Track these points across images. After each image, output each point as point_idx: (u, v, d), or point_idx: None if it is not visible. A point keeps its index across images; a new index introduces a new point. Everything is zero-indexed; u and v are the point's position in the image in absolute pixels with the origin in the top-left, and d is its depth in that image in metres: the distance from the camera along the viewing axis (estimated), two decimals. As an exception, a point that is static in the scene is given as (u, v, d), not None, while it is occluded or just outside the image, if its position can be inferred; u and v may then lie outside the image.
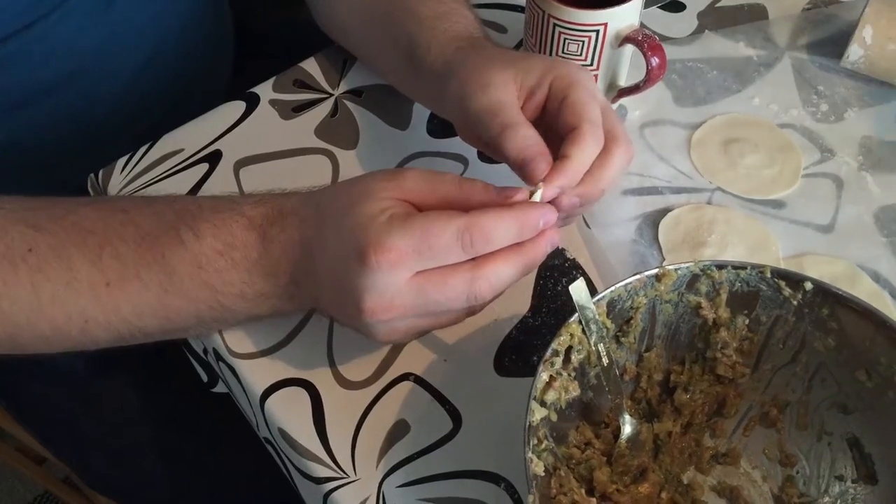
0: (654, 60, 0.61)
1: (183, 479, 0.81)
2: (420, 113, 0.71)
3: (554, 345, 0.48)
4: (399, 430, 0.55)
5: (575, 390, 0.49)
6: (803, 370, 0.52)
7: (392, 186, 0.48)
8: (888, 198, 0.66)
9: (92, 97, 0.73)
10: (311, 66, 0.75)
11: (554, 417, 0.48)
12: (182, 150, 0.69)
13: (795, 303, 0.50)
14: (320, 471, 0.53)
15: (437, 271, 0.46)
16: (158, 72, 0.78)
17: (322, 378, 0.57)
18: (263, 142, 0.69)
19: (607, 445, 0.52)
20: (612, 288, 0.49)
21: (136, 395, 0.81)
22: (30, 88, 0.69)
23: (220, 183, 0.67)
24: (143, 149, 0.69)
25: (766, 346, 0.53)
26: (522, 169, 0.50)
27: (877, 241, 0.63)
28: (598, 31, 0.62)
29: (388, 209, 0.46)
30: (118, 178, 0.67)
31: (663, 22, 0.78)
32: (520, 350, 0.58)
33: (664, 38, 0.76)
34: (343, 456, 0.54)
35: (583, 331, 0.49)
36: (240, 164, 0.68)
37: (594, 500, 0.48)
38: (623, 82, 0.68)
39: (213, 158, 0.68)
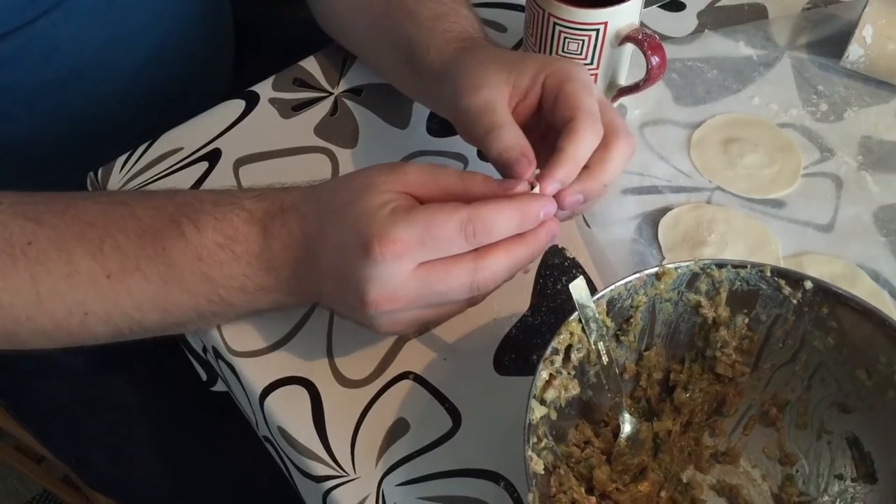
0: (654, 59, 0.62)
1: (182, 478, 0.81)
2: (420, 112, 0.71)
3: (554, 343, 0.48)
4: (398, 429, 0.55)
5: (575, 389, 0.49)
6: (803, 369, 0.52)
7: (393, 179, 0.48)
8: (887, 197, 0.66)
9: (92, 96, 0.73)
10: (310, 64, 0.75)
11: (554, 416, 0.48)
12: (182, 148, 0.69)
13: (795, 302, 0.50)
14: (320, 469, 0.53)
15: (441, 262, 0.46)
16: (159, 70, 0.78)
17: (322, 376, 0.57)
18: (263, 140, 0.69)
19: (607, 444, 0.52)
20: (612, 286, 0.49)
21: (136, 394, 0.80)
22: (30, 87, 0.69)
23: (220, 181, 0.67)
24: (142, 147, 0.69)
25: (765, 344, 0.53)
26: (505, 169, 0.50)
27: (876, 241, 0.63)
28: (598, 30, 0.62)
29: (390, 202, 0.47)
30: (118, 177, 0.67)
31: (663, 21, 0.78)
32: (519, 349, 0.58)
33: (664, 38, 0.76)
34: (342, 454, 0.54)
35: (583, 329, 0.49)
36: (239, 163, 0.68)
37: (594, 498, 0.48)
38: (623, 81, 0.68)
39: (213, 157, 0.68)
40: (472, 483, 0.52)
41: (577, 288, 0.48)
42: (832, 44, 0.75)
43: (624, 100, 0.70)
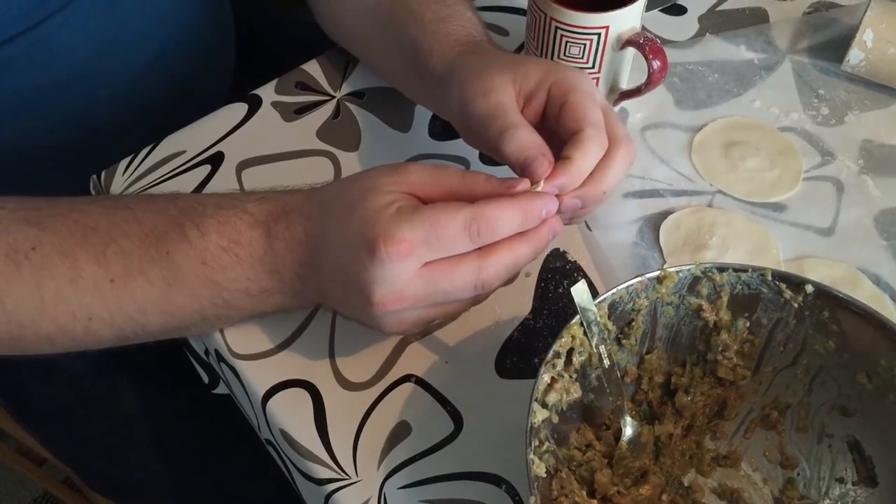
0: (656, 63, 0.62)
1: (184, 481, 0.81)
2: (422, 115, 0.71)
3: (555, 346, 0.48)
4: (400, 432, 0.55)
5: (576, 392, 0.49)
6: (804, 373, 0.52)
7: (396, 180, 0.48)
8: (888, 201, 0.66)
9: (94, 100, 0.73)
10: (313, 68, 0.75)
11: (555, 419, 0.49)
12: (184, 151, 0.69)
13: (796, 305, 0.50)
14: (322, 472, 0.53)
15: (445, 261, 0.47)
16: (161, 74, 0.78)
17: (324, 379, 0.57)
18: (265, 144, 0.69)
19: (608, 447, 0.52)
20: (614, 290, 0.49)
21: (137, 396, 0.81)
22: (32, 91, 0.69)
23: (223, 185, 0.67)
24: (145, 150, 0.69)
25: (766, 348, 0.53)
26: (524, 169, 0.50)
27: (877, 245, 0.63)
28: (599, 34, 0.62)
29: (394, 202, 0.47)
30: (120, 180, 0.67)
31: (664, 25, 0.78)
32: (521, 352, 0.58)
33: (665, 42, 0.76)
34: (344, 457, 0.54)
35: (584, 333, 0.49)
36: (242, 166, 0.68)
37: (595, 501, 0.49)
38: (624, 85, 0.68)
39: (216, 160, 0.68)
40: (474, 486, 0.53)
41: (579, 291, 0.48)
42: (833, 48, 0.75)
43: (625, 103, 0.70)
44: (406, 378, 0.57)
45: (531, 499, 0.43)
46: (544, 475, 0.46)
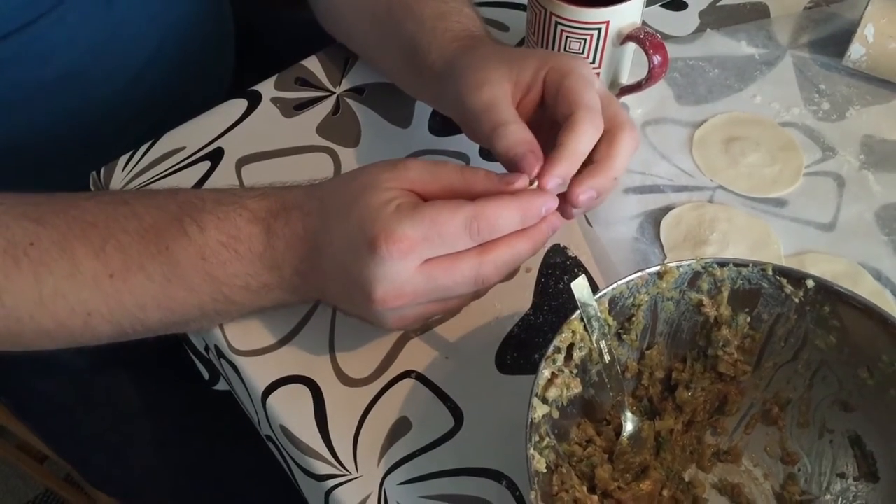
0: (656, 58, 0.62)
1: (184, 477, 0.81)
2: (422, 111, 0.71)
3: (556, 342, 0.48)
4: (401, 428, 0.55)
5: (577, 387, 0.49)
6: (805, 368, 0.52)
7: (395, 176, 0.48)
8: (890, 196, 0.66)
9: (92, 97, 0.73)
10: (312, 64, 0.75)
11: (556, 415, 0.48)
12: (184, 147, 0.69)
13: (797, 300, 0.50)
14: (322, 468, 0.53)
15: (446, 258, 0.47)
16: (159, 71, 0.78)
17: (324, 375, 0.57)
18: (265, 140, 0.69)
19: (609, 443, 0.52)
20: (614, 285, 0.49)
21: (138, 393, 0.81)
22: (30, 88, 0.69)
23: (222, 181, 0.67)
24: (144, 146, 0.69)
25: (767, 343, 0.53)
26: (512, 166, 0.50)
27: (878, 240, 0.63)
28: (600, 29, 0.62)
29: (394, 199, 0.47)
30: (120, 176, 0.67)
31: (665, 20, 0.78)
32: (521, 348, 0.58)
33: (666, 37, 0.76)
34: (345, 453, 0.54)
35: (585, 328, 0.49)
36: (242, 162, 0.68)
37: (596, 497, 0.48)
38: (625, 80, 0.68)
39: (215, 156, 0.68)
40: (475, 482, 0.53)
41: (579, 287, 0.48)
42: (834, 43, 0.75)
43: (626, 99, 0.70)
44: (406, 374, 0.57)
45: (531, 494, 0.43)
46: (545, 470, 0.46)
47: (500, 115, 0.51)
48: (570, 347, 0.49)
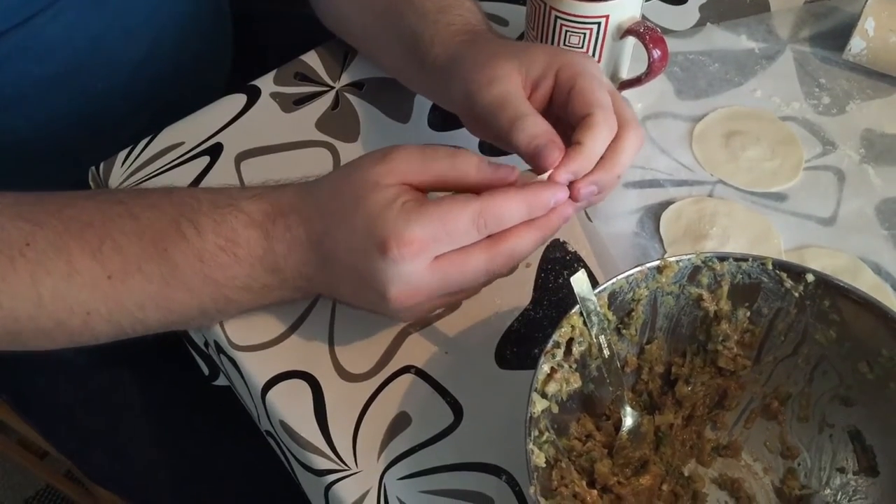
0: (656, 53, 0.61)
1: (184, 472, 0.81)
2: (421, 106, 0.71)
3: (555, 336, 0.48)
4: (400, 423, 0.55)
5: (576, 382, 0.49)
6: (805, 362, 0.52)
7: (388, 171, 0.48)
8: (890, 190, 0.65)
9: (90, 93, 0.73)
10: (312, 58, 0.75)
11: (555, 409, 0.48)
12: (183, 143, 0.69)
13: (797, 295, 0.50)
14: (321, 463, 0.53)
15: (456, 254, 0.48)
16: (157, 66, 0.78)
17: (323, 370, 0.57)
18: (264, 135, 0.69)
19: (608, 437, 0.52)
20: (614, 280, 0.49)
21: (138, 389, 0.81)
22: (27, 85, 0.69)
23: (221, 176, 0.67)
24: (143, 142, 0.69)
25: (767, 338, 0.53)
26: (534, 158, 0.50)
27: (878, 234, 0.63)
28: (599, 24, 0.62)
29: (397, 198, 0.47)
30: (119, 171, 0.67)
31: (665, 14, 0.78)
32: (521, 343, 0.58)
33: (666, 31, 0.75)
34: (344, 448, 0.54)
35: (584, 323, 0.49)
36: (241, 157, 0.68)
37: (595, 492, 0.48)
38: (625, 75, 0.68)
39: (214, 151, 0.68)
40: (474, 477, 0.53)
41: (579, 281, 0.48)
42: (834, 37, 0.75)
43: (626, 93, 0.69)
44: (406, 369, 0.57)
45: (531, 489, 0.43)
46: (544, 465, 0.46)
47: (516, 109, 0.52)
48: (570, 342, 0.49)
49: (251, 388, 0.58)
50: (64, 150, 0.73)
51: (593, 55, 0.64)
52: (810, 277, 0.49)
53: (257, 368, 0.57)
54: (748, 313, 0.52)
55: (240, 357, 0.58)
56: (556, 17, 0.62)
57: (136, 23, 0.73)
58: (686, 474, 0.53)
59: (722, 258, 0.50)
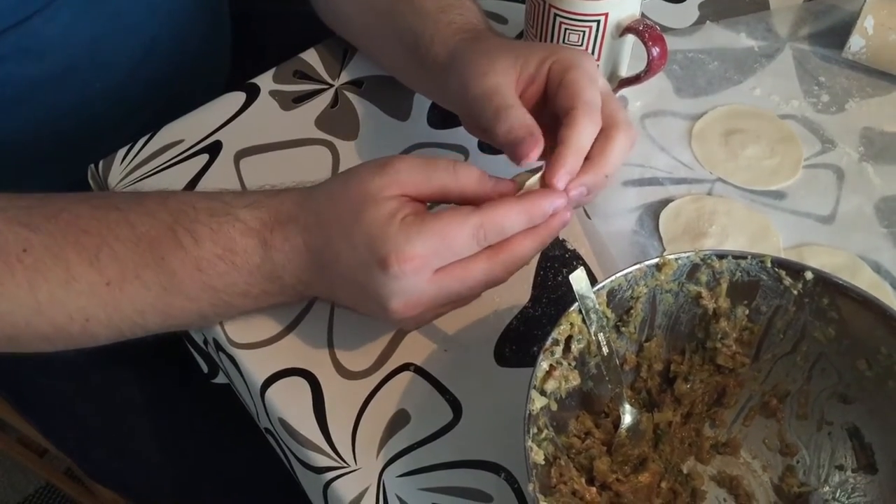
0: (655, 51, 0.61)
1: (183, 470, 0.81)
2: (420, 104, 0.71)
3: (554, 334, 0.48)
4: (399, 420, 0.55)
5: (575, 380, 0.49)
6: (803, 360, 0.52)
7: (388, 183, 0.48)
8: (889, 188, 0.65)
9: (88, 92, 0.73)
10: (311, 56, 0.75)
11: (554, 407, 0.48)
12: (182, 140, 0.69)
13: (796, 292, 0.50)
14: (321, 460, 0.53)
15: (457, 266, 0.48)
16: (156, 65, 0.77)
17: (322, 368, 0.57)
18: (264, 132, 0.69)
19: (607, 435, 0.52)
20: (613, 277, 0.49)
21: (137, 386, 0.81)
22: (25, 84, 0.69)
23: (221, 173, 0.67)
24: (143, 140, 0.69)
25: (766, 336, 0.53)
26: (512, 149, 0.50)
27: (877, 232, 0.63)
28: (598, 21, 0.62)
29: (397, 213, 0.48)
30: (118, 169, 0.67)
31: (664, 12, 0.78)
32: (520, 340, 0.58)
33: (665, 29, 0.75)
34: (343, 445, 0.54)
35: (583, 320, 0.49)
36: (240, 155, 0.68)
37: (594, 489, 0.48)
38: (624, 73, 0.68)
39: (214, 149, 0.68)
40: (473, 474, 0.53)
41: (578, 279, 0.48)
42: (834, 35, 0.75)
43: (625, 91, 0.69)
44: (405, 366, 0.57)
45: (530, 486, 0.43)
46: (543, 462, 0.46)
47: (502, 101, 0.52)
48: (569, 340, 0.49)
49: (250, 385, 0.58)
50: (63, 149, 0.73)
51: (592, 53, 0.64)
52: (809, 275, 0.49)
53: (256, 366, 0.57)
54: (747, 311, 0.52)
55: (239, 355, 0.58)
56: (556, 14, 0.62)
57: (134, 22, 0.73)
58: (685, 472, 0.53)
59: (721, 256, 0.50)
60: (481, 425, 0.54)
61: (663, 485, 0.52)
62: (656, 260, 0.50)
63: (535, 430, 0.46)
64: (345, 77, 0.74)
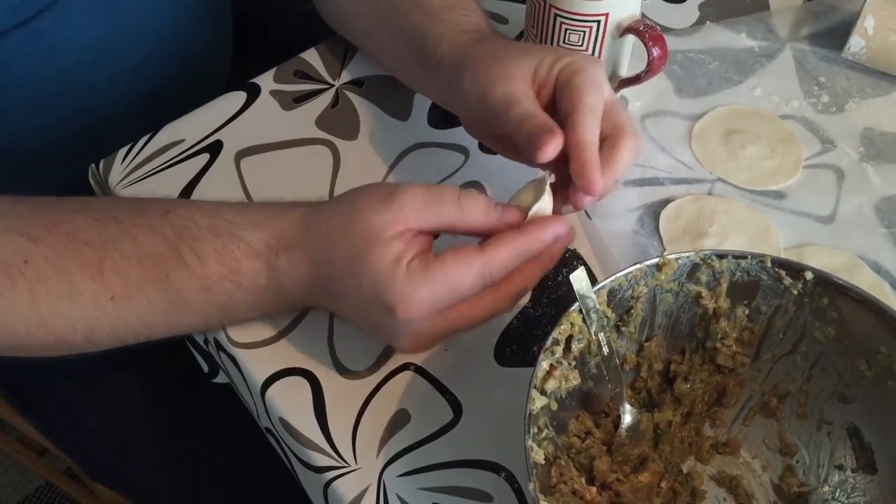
0: (656, 51, 0.61)
1: (184, 470, 0.81)
2: (421, 103, 0.71)
3: (554, 334, 0.48)
4: (400, 420, 0.55)
5: (575, 379, 0.49)
6: (803, 360, 0.52)
7: (393, 221, 0.49)
8: (889, 189, 0.66)
9: (92, 92, 0.73)
10: (312, 56, 0.75)
11: (554, 406, 0.49)
12: (183, 140, 0.69)
13: (796, 292, 0.50)
14: (321, 460, 0.53)
15: (464, 304, 0.49)
16: (159, 66, 0.77)
17: (323, 367, 0.57)
18: (264, 132, 0.69)
19: (607, 435, 0.52)
20: (613, 277, 0.49)
21: (137, 386, 0.81)
22: (29, 85, 0.69)
23: (221, 173, 0.67)
24: (143, 139, 0.69)
25: (766, 335, 0.53)
26: (532, 150, 0.50)
27: (877, 232, 0.63)
28: (599, 22, 0.62)
29: (402, 256, 0.48)
30: (119, 169, 0.67)
31: (664, 12, 0.78)
32: (520, 340, 0.58)
33: (665, 29, 0.75)
34: (344, 445, 0.54)
35: (583, 320, 0.49)
36: (241, 155, 0.68)
37: (594, 489, 0.49)
38: (624, 73, 0.68)
39: (214, 149, 0.68)
40: (473, 473, 0.53)
41: (578, 279, 0.48)
42: (834, 35, 0.75)
43: (625, 91, 0.69)
44: (405, 366, 0.57)
45: (530, 486, 0.43)
46: (543, 462, 0.46)
47: (524, 108, 0.52)
48: (569, 339, 0.49)
49: (251, 385, 0.58)
50: (66, 149, 0.73)
51: (593, 53, 0.64)
52: (809, 275, 0.49)
53: (257, 366, 0.57)
54: (747, 311, 0.52)
55: (239, 354, 0.58)
56: (556, 14, 0.62)
57: (138, 23, 0.73)
58: (685, 471, 0.54)
59: (721, 256, 0.50)
60: (481, 425, 0.54)
61: (663, 484, 0.52)
62: (656, 260, 0.50)
63: (536, 430, 0.46)
64: (345, 77, 0.74)
